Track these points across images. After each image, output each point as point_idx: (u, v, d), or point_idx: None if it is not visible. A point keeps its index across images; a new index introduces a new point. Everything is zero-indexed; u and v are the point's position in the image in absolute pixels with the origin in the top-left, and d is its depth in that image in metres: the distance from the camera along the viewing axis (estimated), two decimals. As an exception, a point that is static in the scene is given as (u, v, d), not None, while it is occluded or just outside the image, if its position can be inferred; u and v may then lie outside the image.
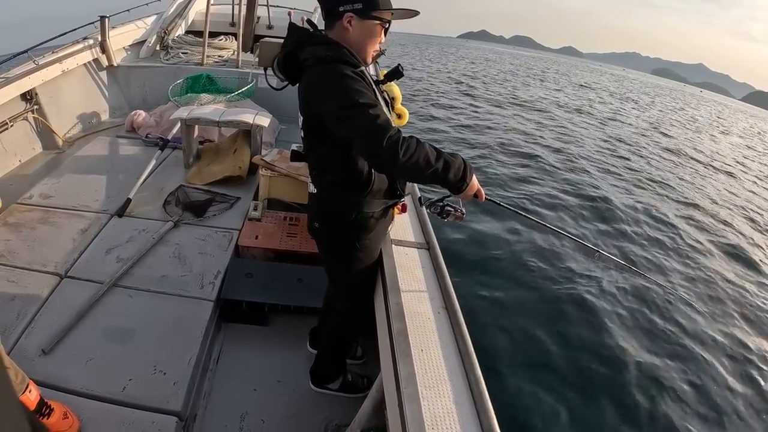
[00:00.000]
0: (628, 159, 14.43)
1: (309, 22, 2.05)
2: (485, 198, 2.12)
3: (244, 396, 2.68)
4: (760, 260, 8.54)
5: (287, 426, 2.59)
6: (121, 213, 3.67)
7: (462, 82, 27.18)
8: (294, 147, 2.38)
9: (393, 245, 2.46)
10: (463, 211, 2.20)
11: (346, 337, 2.70)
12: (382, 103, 2.01)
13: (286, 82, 2.10)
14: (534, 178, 9.82)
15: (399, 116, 3.36)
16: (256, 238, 3.47)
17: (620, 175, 11.92)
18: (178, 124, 4.53)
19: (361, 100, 1.72)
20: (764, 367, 5.19)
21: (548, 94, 29.19)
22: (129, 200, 3.78)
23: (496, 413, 1.67)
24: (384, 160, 1.74)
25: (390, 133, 1.68)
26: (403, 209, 2.64)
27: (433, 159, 1.79)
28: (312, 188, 2.22)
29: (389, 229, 2.44)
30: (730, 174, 16.42)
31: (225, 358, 2.91)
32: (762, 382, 4.96)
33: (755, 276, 7.86)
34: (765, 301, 6.96)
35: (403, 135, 1.73)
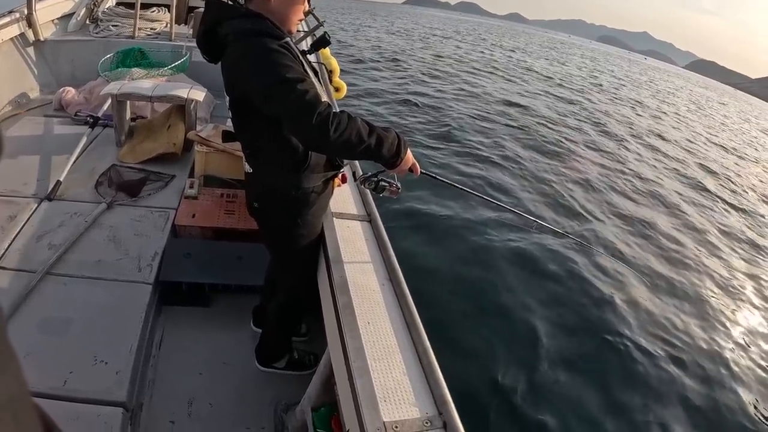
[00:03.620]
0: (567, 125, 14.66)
1: None
2: (420, 172, 2.09)
3: (189, 381, 2.62)
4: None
5: (236, 408, 2.55)
6: (51, 196, 3.49)
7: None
8: (228, 124, 2.30)
9: (334, 218, 2.43)
10: (399, 185, 2.17)
11: (292, 315, 2.66)
12: (312, 74, 1.94)
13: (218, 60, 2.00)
14: (469, 151, 9.80)
15: (337, 89, 3.28)
16: (193, 216, 3.37)
17: (557, 141, 12.07)
18: (109, 101, 4.35)
19: (289, 74, 1.65)
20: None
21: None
22: (59, 182, 3.59)
23: (446, 382, 1.70)
24: (314, 138, 1.69)
25: (320, 110, 1.62)
26: (344, 180, 2.61)
27: (366, 134, 1.74)
28: (248, 167, 2.16)
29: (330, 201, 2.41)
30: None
31: (167, 342, 2.83)
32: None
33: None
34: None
35: (334, 110, 1.68)
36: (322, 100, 1.69)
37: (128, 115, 4.39)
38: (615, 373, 4.42)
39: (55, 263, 2.92)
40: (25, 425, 0.57)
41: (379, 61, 19.36)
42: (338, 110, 1.72)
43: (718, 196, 11.29)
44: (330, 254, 2.22)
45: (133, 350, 2.49)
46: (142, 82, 4.67)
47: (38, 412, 0.65)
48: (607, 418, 3.94)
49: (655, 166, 12.19)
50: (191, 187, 3.60)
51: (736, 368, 4.98)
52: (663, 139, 16.26)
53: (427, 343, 1.82)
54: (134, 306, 2.74)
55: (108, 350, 2.47)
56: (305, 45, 4.00)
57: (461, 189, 2.57)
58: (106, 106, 4.57)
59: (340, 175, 2.35)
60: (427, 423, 1.59)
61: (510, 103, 15.18)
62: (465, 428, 1.60)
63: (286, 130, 1.83)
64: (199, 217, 3.38)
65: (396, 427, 1.53)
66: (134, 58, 5.73)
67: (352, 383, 1.67)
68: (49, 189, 3.54)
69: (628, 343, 4.79)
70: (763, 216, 10.94)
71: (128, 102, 4.35)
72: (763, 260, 8.28)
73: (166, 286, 2.98)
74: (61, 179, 3.63)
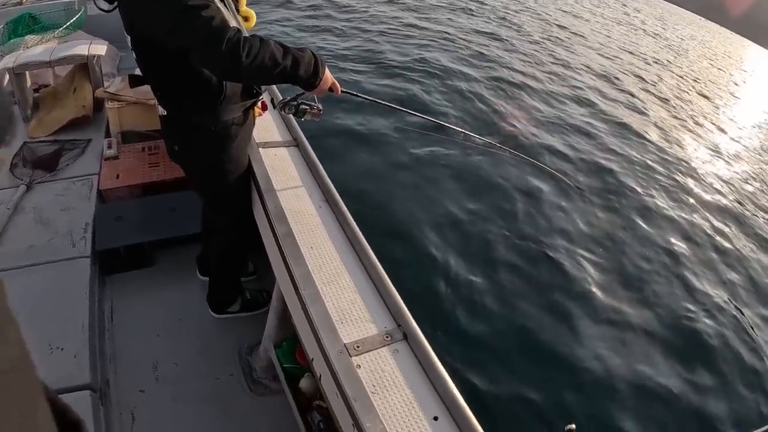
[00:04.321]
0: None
1: None
2: (341, 91, 2.03)
3: (149, 345, 2.56)
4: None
5: (201, 362, 2.51)
6: (-34, 191, 3.26)
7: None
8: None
9: (260, 148, 2.35)
10: (320, 107, 2.10)
11: (235, 256, 2.57)
12: (218, 1, 1.78)
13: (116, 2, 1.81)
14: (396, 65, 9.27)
15: (246, 18, 3.07)
16: (118, 177, 3.21)
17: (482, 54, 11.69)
18: (7, 76, 4.06)
19: (191, 2, 1.51)
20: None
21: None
22: (-29, 175, 3.36)
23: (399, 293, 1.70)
24: (226, 66, 1.59)
25: (229, 35, 1.51)
26: (264, 107, 2.50)
27: (280, 57, 1.65)
28: (161, 110, 2.02)
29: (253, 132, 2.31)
30: None
31: (118, 312, 2.73)
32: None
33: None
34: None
35: (244, 35, 1.57)
36: (231, 25, 1.58)
37: (29, 86, 4.10)
38: (550, 277, 4.49)
39: (-15, 261, 2.75)
40: (28, 391, 0.56)
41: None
42: (248, 35, 1.62)
43: (636, 97, 11.53)
44: (261, 185, 2.15)
45: (86, 329, 2.39)
46: (38, 48, 4.37)
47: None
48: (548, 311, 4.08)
49: (574, 72, 12.08)
50: (110, 147, 3.40)
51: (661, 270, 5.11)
52: (580, 45, 16.13)
53: (374, 258, 1.81)
54: (77, 283, 2.62)
55: (61, 335, 2.36)
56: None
57: (384, 105, 2.52)
58: (5, 83, 4.27)
59: (259, 103, 2.24)
60: (387, 337, 1.59)
61: (420, 18, 14.56)
62: (426, 336, 1.60)
63: (195, 61, 1.72)
64: (123, 176, 3.22)
65: (357, 347, 1.53)
66: (26, 25, 5.30)
67: (306, 312, 1.64)
68: None
69: (555, 249, 4.87)
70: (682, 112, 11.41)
71: (27, 73, 4.04)
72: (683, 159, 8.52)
73: (104, 256, 2.85)
74: (-27, 170, 3.39)
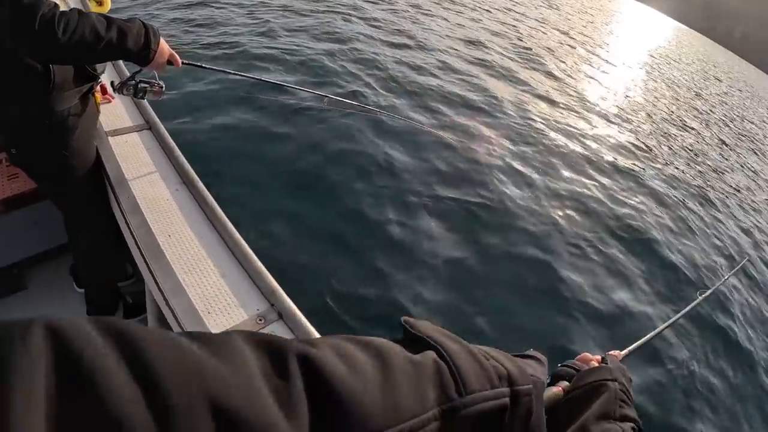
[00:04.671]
0: None
1: None
2: (182, 62, 1.86)
3: None
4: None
5: None
6: None
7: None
8: None
9: (109, 137, 2.14)
10: (162, 84, 1.93)
11: (104, 260, 2.35)
12: None
13: None
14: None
15: (99, 3, 2.79)
16: (-25, 197, 2.88)
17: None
18: None
19: None
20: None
21: None
22: None
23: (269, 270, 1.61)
24: (42, 46, 1.40)
25: (42, 11, 1.33)
26: (104, 91, 2.27)
27: (103, 30, 1.47)
28: None
29: (98, 120, 2.08)
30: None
31: None
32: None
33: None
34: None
35: (61, 10, 1.39)
36: (48, 1, 1.38)
37: None
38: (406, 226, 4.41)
39: None
40: None
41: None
42: (67, 9, 1.43)
43: (507, 55, 11.62)
44: (112, 177, 1.97)
45: None
46: None
47: None
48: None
49: (443, 34, 11.81)
50: (-37, 166, 3.06)
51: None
52: (450, 5, 15.90)
53: (238, 237, 1.69)
54: None
55: None
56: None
57: (235, 74, 2.40)
58: None
59: (98, 87, 2.02)
60: (260, 320, 1.48)
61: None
62: (302, 311, 1.51)
63: (10, 46, 1.50)
64: (-19, 195, 2.89)
65: None
66: None
67: (170, 307, 1.51)
68: None
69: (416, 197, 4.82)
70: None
71: None
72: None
73: None
74: None
